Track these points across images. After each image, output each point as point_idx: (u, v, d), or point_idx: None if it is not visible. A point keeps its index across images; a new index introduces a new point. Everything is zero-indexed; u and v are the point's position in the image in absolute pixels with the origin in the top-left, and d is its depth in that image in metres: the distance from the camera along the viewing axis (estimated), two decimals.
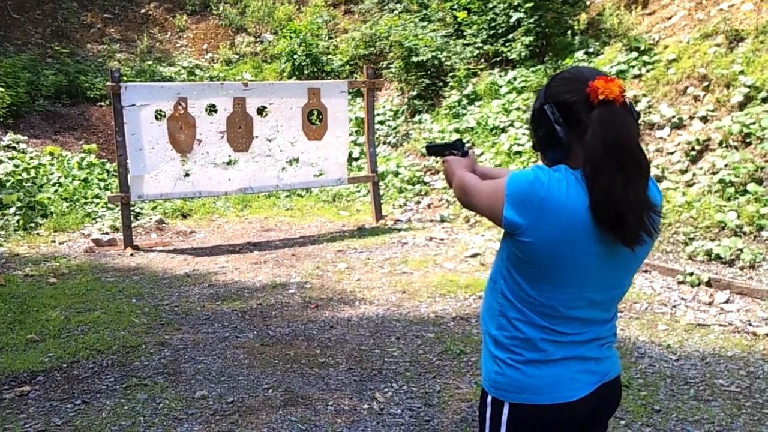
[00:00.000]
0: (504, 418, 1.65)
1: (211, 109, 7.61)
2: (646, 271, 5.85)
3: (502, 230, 1.65)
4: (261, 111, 7.91)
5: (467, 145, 1.89)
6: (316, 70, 12.62)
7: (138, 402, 3.73)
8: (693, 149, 6.77)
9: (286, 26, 13.51)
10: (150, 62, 13.33)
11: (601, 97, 1.51)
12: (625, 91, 1.54)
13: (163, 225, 8.55)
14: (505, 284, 1.65)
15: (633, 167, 1.50)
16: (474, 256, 6.68)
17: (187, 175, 7.57)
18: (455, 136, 9.62)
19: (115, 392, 3.86)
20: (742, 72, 6.91)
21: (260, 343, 4.65)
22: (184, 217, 9.12)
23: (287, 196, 10.08)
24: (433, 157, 9.45)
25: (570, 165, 1.57)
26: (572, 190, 1.52)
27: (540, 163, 1.68)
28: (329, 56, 12.99)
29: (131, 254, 7.14)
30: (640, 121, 7.56)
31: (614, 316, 1.70)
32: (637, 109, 7.57)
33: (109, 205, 8.60)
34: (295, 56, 12.58)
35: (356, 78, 12.14)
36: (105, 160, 10.31)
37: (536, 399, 1.62)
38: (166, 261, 6.94)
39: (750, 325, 4.65)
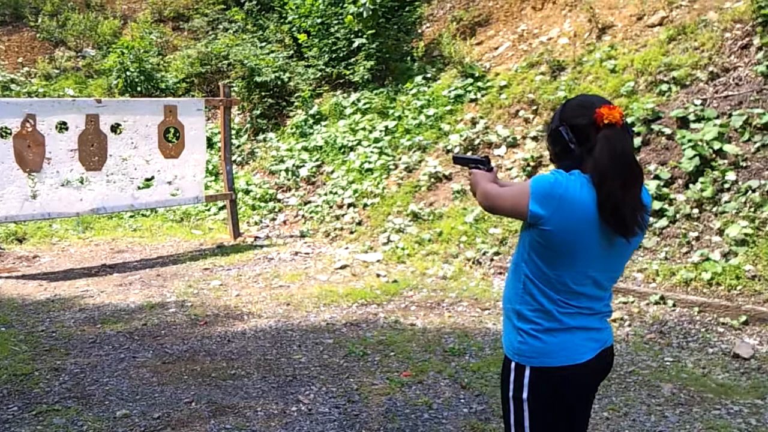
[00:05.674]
0: (526, 379, 2.05)
1: (62, 126, 7.25)
2: None
3: (521, 223, 2.07)
4: (115, 128, 7.65)
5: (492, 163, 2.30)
6: (150, 86, 12.25)
7: (58, 427, 3.60)
8: (528, 165, 7.66)
9: (116, 42, 12.98)
10: None
11: (605, 121, 1.95)
12: (624, 116, 1.99)
13: (0, 250, 7.93)
14: (526, 266, 2.05)
15: (631, 176, 1.95)
16: (343, 267, 7.01)
17: (35, 196, 7.13)
18: (304, 155, 9.91)
19: (25, 420, 3.68)
20: (565, 97, 7.94)
21: (161, 361, 4.62)
22: (20, 241, 8.50)
23: (131, 217, 9.73)
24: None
25: (582, 170, 1.99)
26: (584, 190, 1.94)
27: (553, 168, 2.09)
28: (163, 73, 12.69)
29: None
30: (480, 140, 8.22)
31: (610, 294, 2.14)
32: (477, 129, 8.41)
33: None
34: (127, 72, 12.14)
35: (193, 95, 12.03)
36: None
37: (552, 362, 2.03)
38: (19, 287, 6.50)
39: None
